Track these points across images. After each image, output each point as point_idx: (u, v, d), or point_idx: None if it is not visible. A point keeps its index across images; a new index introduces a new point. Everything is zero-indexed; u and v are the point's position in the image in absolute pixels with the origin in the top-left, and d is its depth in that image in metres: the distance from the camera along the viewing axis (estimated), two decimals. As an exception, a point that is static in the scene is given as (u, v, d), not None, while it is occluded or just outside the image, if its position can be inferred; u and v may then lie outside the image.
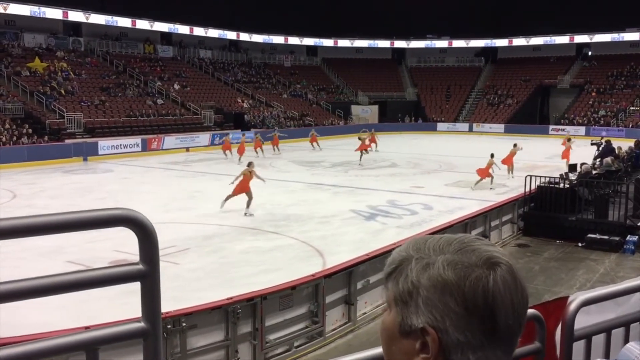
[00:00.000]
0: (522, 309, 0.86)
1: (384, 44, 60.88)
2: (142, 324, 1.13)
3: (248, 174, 15.89)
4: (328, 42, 60.31)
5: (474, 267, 0.85)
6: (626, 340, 2.19)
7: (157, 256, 1.11)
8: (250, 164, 16.54)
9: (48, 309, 6.92)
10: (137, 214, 1.09)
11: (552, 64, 55.62)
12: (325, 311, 8.40)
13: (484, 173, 19.56)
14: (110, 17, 45.35)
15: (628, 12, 50.93)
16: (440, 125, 51.35)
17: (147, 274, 1.11)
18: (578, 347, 2.05)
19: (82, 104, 35.57)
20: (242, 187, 15.69)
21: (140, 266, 1.11)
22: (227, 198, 15.59)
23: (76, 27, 44.40)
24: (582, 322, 2.06)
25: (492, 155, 19.83)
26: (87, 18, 44.08)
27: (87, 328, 1.14)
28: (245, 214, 15.46)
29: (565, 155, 25.11)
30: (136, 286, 1.15)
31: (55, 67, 38.12)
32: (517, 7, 57.69)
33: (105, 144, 30.81)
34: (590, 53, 55.70)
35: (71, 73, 38.62)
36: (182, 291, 9.13)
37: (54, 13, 41.77)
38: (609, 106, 48.45)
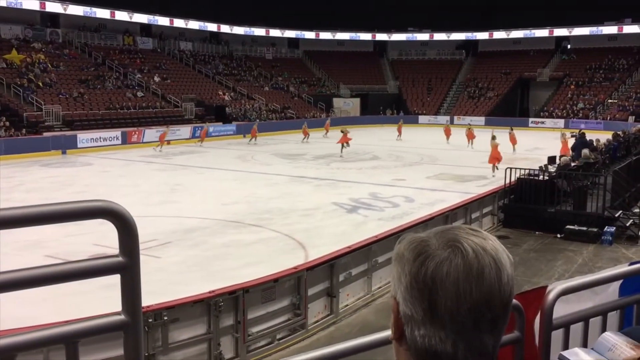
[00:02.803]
0: (473, 299, 0.85)
1: (365, 36, 60.89)
2: (122, 317, 1.12)
3: (495, 144, 21.37)
4: (310, 35, 60.13)
5: (431, 247, 0.89)
6: (603, 329, 2.23)
7: (137, 248, 1.11)
8: (494, 137, 21.72)
9: (28, 303, 6.84)
10: (116, 205, 1.08)
11: (532, 57, 56.10)
12: (308, 303, 8.42)
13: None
14: (88, 8, 44.73)
15: (606, 6, 51.65)
16: (422, 118, 51.59)
17: (127, 266, 1.10)
18: (556, 335, 2.08)
19: (61, 96, 35.08)
20: (496, 155, 20.97)
21: (120, 258, 1.10)
22: (493, 169, 20.59)
23: (54, 18, 43.72)
24: (561, 311, 2.09)
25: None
26: (64, 9, 43.43)
27: (67, 322, 1.13)
28: (494, 175, 19.97)
29: (470, 136, 30.75)
30: (118, 279, 1.14)
31: (33, 58, 37.50)
32: (497, 1, 58.06)
33: (84, 137, 30.44)
34: (569, 46, 56.30)
35: (49, 65, 38.04)
36: (164, 285, 9.08)
37: (30, 4, 41.08)
38: (587, 99, 49.04)
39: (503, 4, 56.91)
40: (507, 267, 0.89)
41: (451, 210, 12.85)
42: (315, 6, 60.20)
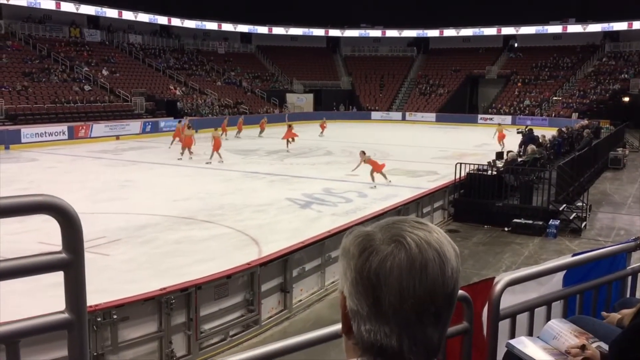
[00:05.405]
0: (416, 294, 0.86)
1: (318, 32, 60.92)
2: (66, 315, 1.08)
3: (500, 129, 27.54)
4: (263, 30, 59.74)
5: (376, 242, 0.88)
6: (548, 318, 2.30)
7: (81, 244, 1.07)
8: (498, 124, 28.19)
9: (-32, 305, 6.57)
10: (57, 199, 1.04)
11: (481, 55, 57.34)
12: (261, 299, 8.39)
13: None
14: (32, -2, 43.18)
15: (552, 6, 53.17)
16: (375, 114, 52.03)
17: (70, 263, 1.06)
18: (504, 325, 2.13)
19: (3, 89, 33.77)
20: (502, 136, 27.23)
21: (63, 255, 1.06)
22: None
23: (-5, 8, 42.00)
24: (507, 301, 2.15)
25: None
26: (7, -1, 41.79)
27: (7, 321, 1.09)
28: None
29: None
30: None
31: (-27, 50, 35.99)
32: (447, -1, 59.00)
33: (28, 131, 29.39)
34: (516, 45, 57.78)
35: (-10, 57, 36.57)
36: (114, 283, 8.88)
37: (-30, -7, 39.37)
38: (533, 96, 50.49)
39: (453, 3, 57.85)
40: (451, 260, 0.89)
41: (403, 205, 13.02)
42: (269, 1, 59.74)
